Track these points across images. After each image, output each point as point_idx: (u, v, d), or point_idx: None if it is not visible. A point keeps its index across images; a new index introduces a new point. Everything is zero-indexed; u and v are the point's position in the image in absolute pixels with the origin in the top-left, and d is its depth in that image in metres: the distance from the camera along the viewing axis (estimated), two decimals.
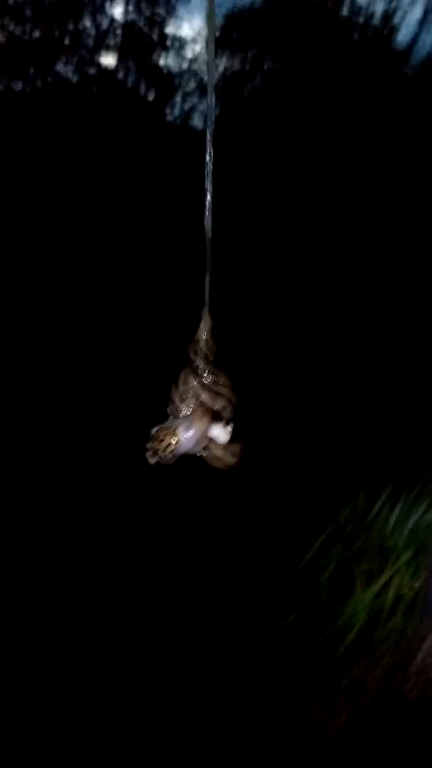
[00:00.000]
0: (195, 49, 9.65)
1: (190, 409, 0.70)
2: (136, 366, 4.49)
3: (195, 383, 0.69)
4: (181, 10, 9.38)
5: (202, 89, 9.73)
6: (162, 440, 0.69)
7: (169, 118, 9.50)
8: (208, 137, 0.63)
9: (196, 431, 0.70)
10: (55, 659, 1.97)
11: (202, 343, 0.70)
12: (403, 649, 2.03)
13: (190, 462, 0.76)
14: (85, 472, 3.06)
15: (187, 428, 0.70)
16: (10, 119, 8.46)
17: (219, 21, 9.89)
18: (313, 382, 4.85)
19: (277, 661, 2.03)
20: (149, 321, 5.64)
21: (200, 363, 0.70)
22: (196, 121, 9.94)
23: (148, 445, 0.70)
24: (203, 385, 0.70)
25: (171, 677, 1.94)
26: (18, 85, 8.58)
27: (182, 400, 0.70)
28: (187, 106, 9.68)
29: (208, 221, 0.64)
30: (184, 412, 0.70)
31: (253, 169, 9.40)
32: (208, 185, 0.63)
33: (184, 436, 0.70)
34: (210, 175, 0.62)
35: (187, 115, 9.72)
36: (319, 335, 5.97)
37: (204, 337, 0.70)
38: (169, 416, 0.72)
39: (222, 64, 10.00)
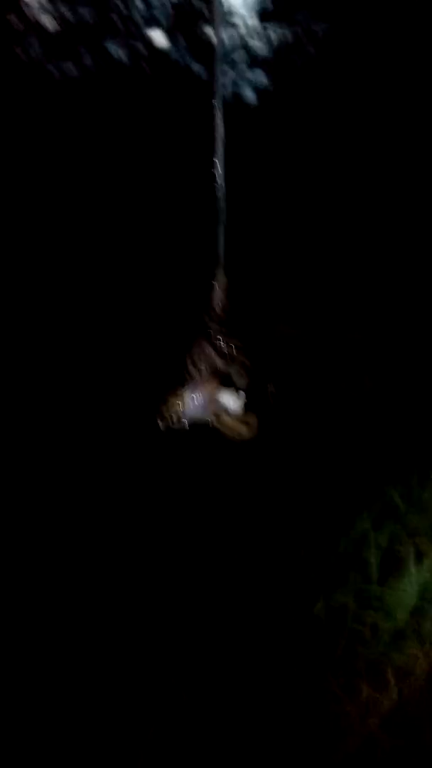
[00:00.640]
0: (246, 22, 9.43)
1: (204, 376, 0.69)
2: (150, 334, 4.40)
3: (208, 348, 0.68)
4: None
5: (253, 61, 9.53)
6: (168, 403, 0.68)
7: (220, 92, 9.34)
8: (217, 100, 0.60)
9: (202, 395, 0.69)
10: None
11: (216, 306, 0.68)
12: None
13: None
14: (101, 449, 3.02)
15: (193, 391, 0.69)
16: (64, 102, 8.53)
17: None
18: (369, 359, 4.72)
19: (324, 638, 2.02)
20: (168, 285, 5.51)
21: (214, 327, 0.68)
22: (248, 95, 9.76)
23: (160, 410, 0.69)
24: (216, 350, 0.68)
25: (214, 654, 1.96)
26: (70, 68, 8.63)
27: (194, 365, 0.68)
28: (237, 80, 9.50)
29: (220, 185, 0.62)
30: (196, 378, 0.69)
31: (309, 142, 9.18)
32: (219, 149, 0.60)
33: (190, 400, 0.69)
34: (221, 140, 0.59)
35: (237, 88, 9.54)
36: (374, 309, 5.80)
37: (219, 300, 0.68)
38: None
39: (272, 34, 9.76)
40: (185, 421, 0.62)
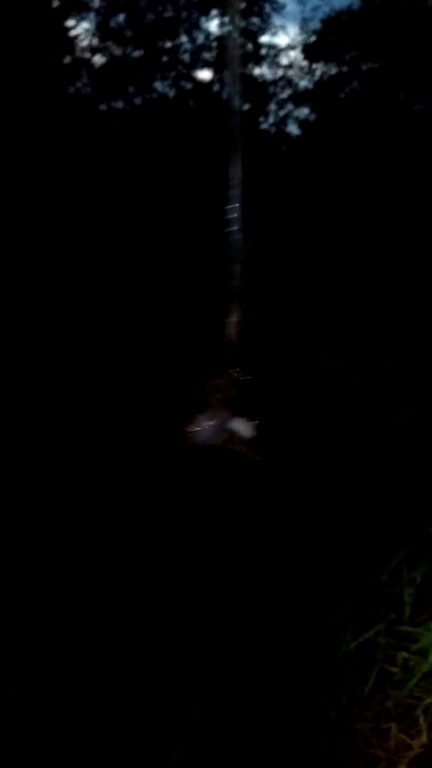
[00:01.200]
0: (290, 57, 9.64)
1: (216, 403, 0.70)
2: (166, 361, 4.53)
3: (222, 379, 0.69)
4: (275, 18, 9.39)
5: (297, 97, 9.70)
6: (185, 427, 0.70)
7: (264, 126, 9.54)
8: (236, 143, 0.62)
9: (217, 421, 0.70)
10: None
11: (230, 338, 0.69)
12: None
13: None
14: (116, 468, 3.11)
15: (209, 417, 0.70)
16: (112, 137, 8.85)
17: (315, 25, 9.82)
18: (409, 390, 4.67)
19: (353, 675, 1.96)
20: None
21: (228, 358, 0.70)
22: (292, 129, 9.92)
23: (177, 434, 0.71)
24: (230, 381, 0.69)
25: (232, 688, 1.92)
26: (119, 104, 8.96)
27: (210, 394, 0.70)
28: (282, 114, 9.68)
29: (237, 215, 0.64)
30: (210, 406, 0.70)
31: (351, 173, 9.25)
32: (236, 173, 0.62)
33: (206, 426, 0.70)
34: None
35: (281, 122, 9.72)
36: (415, 343, 5.76)
37: (233, 332, 0.69)
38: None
39: (318, 69, 9.93)
40: (199, 444, 0.63)
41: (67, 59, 8.57)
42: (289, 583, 2.31)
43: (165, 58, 8.75)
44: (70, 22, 8.63)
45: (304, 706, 1.87)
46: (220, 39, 8.96)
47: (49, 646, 2.05)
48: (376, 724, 1.85)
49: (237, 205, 0.58)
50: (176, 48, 8.80)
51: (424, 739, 1.78)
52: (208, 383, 0.66)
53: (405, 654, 2.02)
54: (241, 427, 0.66)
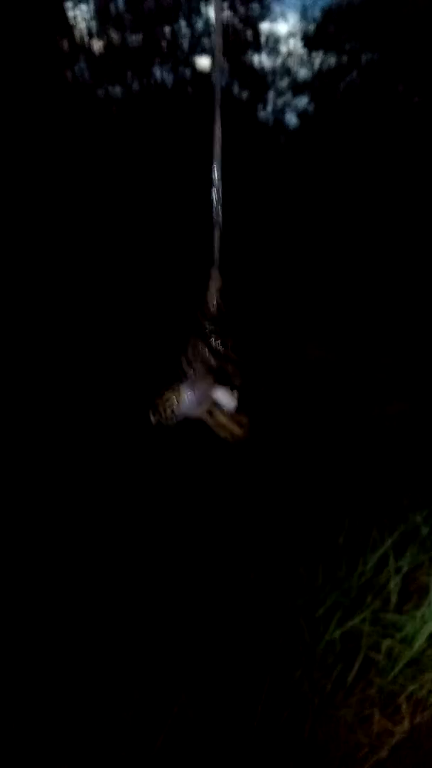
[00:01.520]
0: (290, 46, 9.56)
1: (198, 373, 0.68)
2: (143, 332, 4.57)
3: (202, 346, 0.67)
4: (275, 7, 9.31)
5: (296, 86, 9.63)
6: (164, 397, 0.68)
7: (262, 115, 9.48)
8: (216, 106, 0.61)
9: (198, 391, 0.69)
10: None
11: (211, 305, 0.68)
12: None
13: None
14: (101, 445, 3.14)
15: (190, 387, 0.68)
16: (110, 122, 8.76)
17: (316, 16, 9.75)
18: (402, 382, 4.67)
19: (338, 662, 1.96)
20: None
21: (208, 326, 0.68)
22: (290, 119, 9.86)
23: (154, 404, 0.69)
24: (211, 349, 0.68)
25: (218, 673, 1.92)
26: (116, 90, 8.87)
27: (189, 363, 0.68)
28: (280, 104, 9.62)
29: (217, 189, 0.63)
30: (189, 375, 0.68)
31: (349, 165, 9.21)
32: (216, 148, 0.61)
33: (186, 395, 0.68)
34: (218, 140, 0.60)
35: (280, 112, 9.65)
36: (408, 333, 5.75)
37: (213, 299, 0.68)
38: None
39: (318, 58, 9.86)
40: (178, 415, 0.62)
41: (65, 44, 8.48)
42: (272, 571, 2.31)
43: (164, 44, 8.67)
44: (68, 4, 8.53)
45: (288, 693, 1.87)
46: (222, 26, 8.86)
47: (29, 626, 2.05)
48: (359, 711, 1.86)
49: (218, 179, 0.57)
50: (175, 34, 8.71)
51: (406, 725, 1.79)
52: (187, 351, 0.65)
53: (390, 642, 2.02)
54: (224, 397, 0.65)
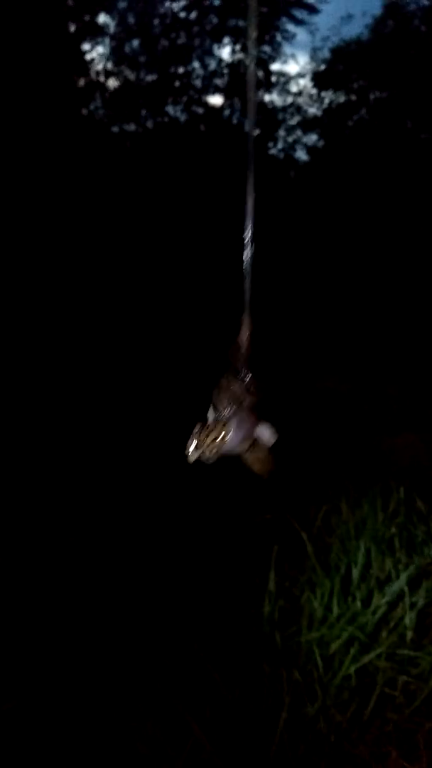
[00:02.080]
0: (300, 84, 9.82)
1: (229, 410, 0.71)
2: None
3: (236, 386, 0.70)
4: (286, 47, 9.60)
5: (305, 123, 9.86)
6: (210, 434, 0.70)
7: (273, 152, 9.67)
8: (250, 149, 0.65)
9: (246, 428, 0.71)
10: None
11: (242, 347, 0.71)
12: None
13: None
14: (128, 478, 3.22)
15: (238, 424, 0.71)
16: (124, 158, 8.98)
17: (325, 55, 10.02)
18: (410, 412, 4.69)
19: (353, 699, 1.95)
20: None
21: (241, 366, 0.71)
22: (300, 155, 10.07)
23: (193, 440, 0.71)
24: (244, 387, 0.71)
25: (232, 708, 1.91)
26: (131, 127, 9.11)
27: (224, 401, 0.71)
28: (291, 140, 9.83)
29: (248, 234, 0.67)
30: (226, 414, 0.71)
31: (359, 199, 9.36)
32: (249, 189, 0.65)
33: (235, 432, 0.70)
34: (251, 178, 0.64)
35: (290, 148, 9.86)
36: (417, 365, 5.78)
37: (244, 341, 0.71)
38: (208, 419, 0.73)
39: (327, 97, 10.10)
40: (222, 452, 0.63)
41: (82, 82, 8.74)
42: (286, 605, 2.30)
43: (177, 84, 8.92)
44: (86, 46, 8.81)
45: (304, 730, 1.86)
46: (231, 65, 9.14)
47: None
48: (375, 749, 1.84)
49: (250, 226, 0.61)
50: (188, 74, 8.96)
51: (423, 764, 1.76)
52: (220, 390, 0.67)
53: (405, 678, 2.01)
54: (266, 433, 0.67)
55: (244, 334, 0.70)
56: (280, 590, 2.35)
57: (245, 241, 0.66)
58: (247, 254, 0.67)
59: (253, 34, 0.64)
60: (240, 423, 0.71)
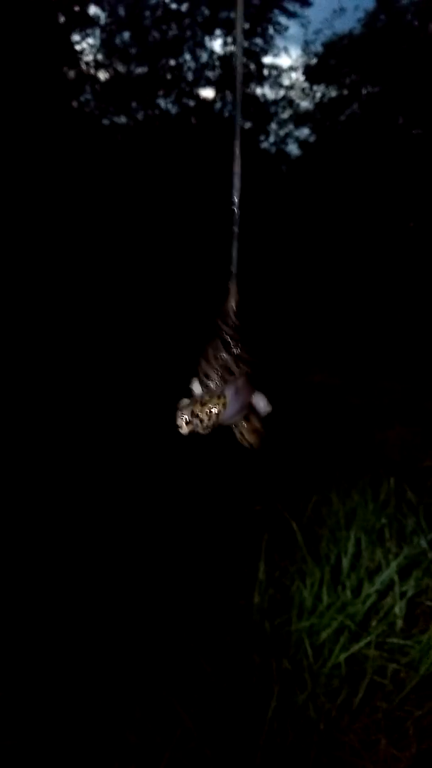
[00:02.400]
0: (292, 77, 9.79)
1: (219, 380, 0.69)
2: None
3: (225, 354, 0.68)
4: (278, 40, 9.57)
5: (297, 117, 9.83)
6: (205, 405, 0.68)
7: (264, 145, 9.65)
8: (236, 130, 0.64)
9: (242, 398, 0.69)
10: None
11: (229, 314, 0.68)
12: None
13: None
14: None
15: (235, 394, 0.69)
16: (115, 150, 8.92)
17: (317, 49, 9.99)
18: (401, 405, 4.69)
19: (343, 687, 1.94)
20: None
21: (229, 333, 0.69)
22: (291, 148, 10.04)
23: (185, 413, 0.69)
24: (235, 355, 0.68)
25: (221, 698, 1.90)
26: (121, 119, 9.05)
27: (213, 370, 0.68)
28: (282, 133, 9.80)
29: (236, 209, 0.65)
30: (214, 383, 0.69)
31: (350, 193, 9.35)
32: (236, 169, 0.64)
33: (231, 402, 0.68)
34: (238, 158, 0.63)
35: (282, 142, 9.83)
36: (408, 358, 5.79)
37: (231, 308, 0.68)
38: (194, 390, 0.71)
39: (319, 91, 10.08)
40: (219, 422, 0.61)
41: (72, 73, 8.67)
42: (276, 594, 2.30)
43: (168, 76, 8.86)
44: (76, 38, 8.74)
45: (293, 717, 1.85)
46: (223, 58, 9.09)
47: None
48: (365, 737, 1.84)
49: (237, 193, 0.59)
50: (180, 66, 8.91)
51: (413, 752, 1.76)
52: (207, 357, 0.65)
53: (395, 666, 2.00)
54: (261, 402, 0.65)
55: (231, 302, 0.68)
56: (270, 580, 2.34)
57: (233, 207, 0.64)
58: (235, 217, 0.65)
59: (241, 22, 0.62)
60: (236, 393, 0.69)
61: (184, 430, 0.70)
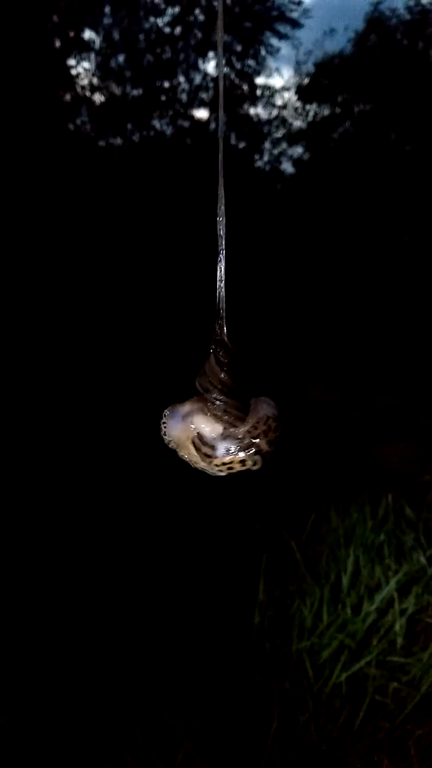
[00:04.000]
0: (284, 97, 9.93)
1: (222, 396, 0.69)
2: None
3: (219, 370, 0.68)
4: (270, 61, 9.72)
5: (290, 136, 9.95)
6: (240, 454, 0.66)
7: (258, 164, 9.76)
8: (220, 157, 0.66)
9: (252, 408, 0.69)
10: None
11: (220, 333, 0.68)
12: None
13: None
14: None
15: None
16: (111, 171, 9.02)
17: (309, 69, 10.15)
18: (399, 421, 4.71)
19: (345, 707, 1.94)
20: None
21: (219, 353, 0.69)
22: (285, 166, 10.16)
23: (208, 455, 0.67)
24: (226, 373, 0.68)
25: (223, 719, 1.90)
26: (117, 141, 9.16)
27: (212, 386, 0.68)
28: (276, 152, 9.91)
29: (221, 225, 0.66)
30: (217, 398, 0.68)
31: (343, 211, 9.44)
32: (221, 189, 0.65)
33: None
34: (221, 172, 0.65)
35: (276, 160, 9.94)
36: (406, 374, 5.82)
37: (222, 328, 0.69)
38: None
39: (312, 109, 10.21)
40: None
41: (68, 97, 8.78)
42: (277, 614, 2.30)
43: (163, 98, 8.99)
44: (71, 62, 8.87)
45: (295, 739, 1.85)
46: (216, 79, 9.21)
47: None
48: (367, 757, 1.83)
49: (222, 231, 0.60)
50: (174, 88, 9.04)
51: None
52: (201, 374, 0.65)
53: (396, 685, 2.00)
54: (270, 410, 0.65)
55: (223, 322, 0.68)
56: (270, 599, 2.34)
57: (218, 235, 0.66)
58: (220, 248, 0.67)
59: (221, 33, 0.64)
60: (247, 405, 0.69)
61: (198, 465, 0.70)
